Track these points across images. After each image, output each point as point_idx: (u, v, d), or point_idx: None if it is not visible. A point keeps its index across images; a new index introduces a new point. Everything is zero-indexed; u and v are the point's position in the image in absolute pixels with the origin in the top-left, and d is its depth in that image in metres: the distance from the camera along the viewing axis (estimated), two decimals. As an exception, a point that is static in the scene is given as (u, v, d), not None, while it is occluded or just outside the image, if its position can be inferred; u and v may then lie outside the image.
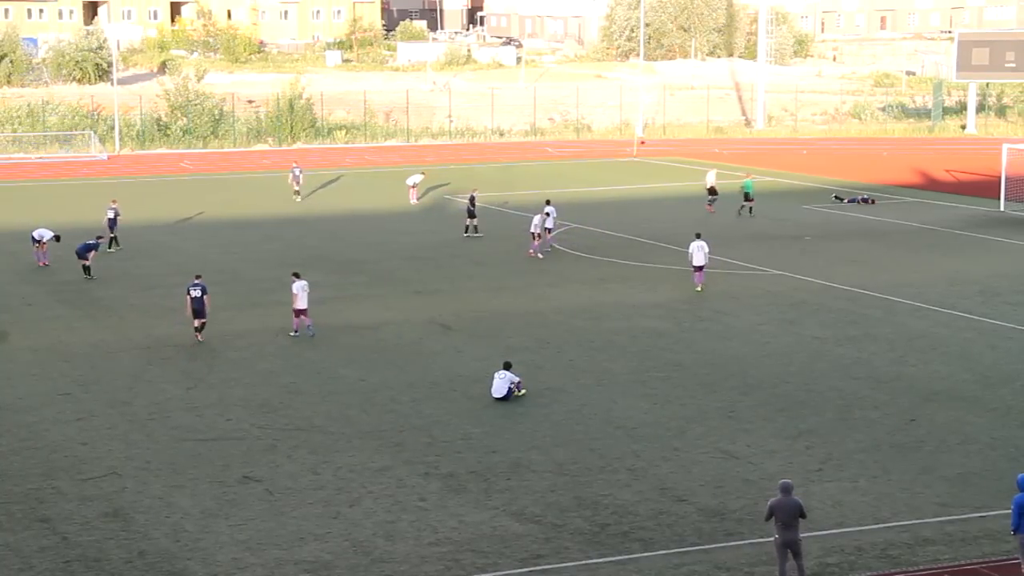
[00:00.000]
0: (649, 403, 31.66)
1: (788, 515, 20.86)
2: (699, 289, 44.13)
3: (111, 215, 51.60)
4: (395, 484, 26.26)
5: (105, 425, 30.08)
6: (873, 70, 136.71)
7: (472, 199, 55.49)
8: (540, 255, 49.78)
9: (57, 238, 48.48)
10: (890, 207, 63.23)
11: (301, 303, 37.89)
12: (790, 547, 20.92)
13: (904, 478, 26.46)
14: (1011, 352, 36.29)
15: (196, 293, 37.65)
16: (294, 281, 38.16)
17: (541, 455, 27.95)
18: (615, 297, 43.35)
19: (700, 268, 44.29)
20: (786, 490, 20.97)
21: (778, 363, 35.16)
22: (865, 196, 64.76)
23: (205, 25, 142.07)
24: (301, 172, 66.87)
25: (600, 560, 22.69)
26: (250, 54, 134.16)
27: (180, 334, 38.45)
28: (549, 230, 51.14)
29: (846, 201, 64.30)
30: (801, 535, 21.08)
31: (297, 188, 66.21)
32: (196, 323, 37.78)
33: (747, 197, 60.84)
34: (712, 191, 61.67)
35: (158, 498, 25.53)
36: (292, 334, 38.18)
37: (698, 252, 44.14)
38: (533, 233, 50.26)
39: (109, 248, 50.59)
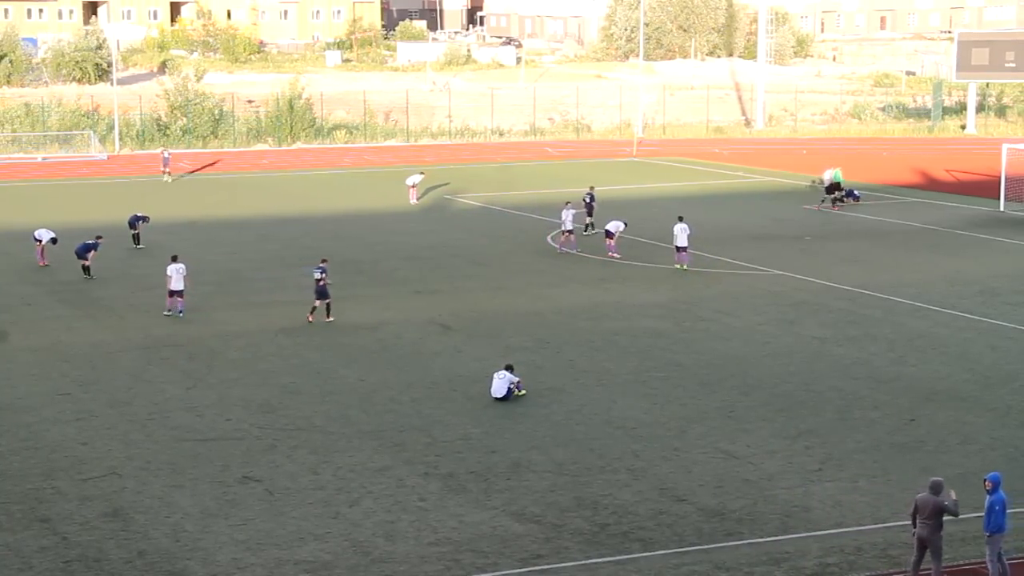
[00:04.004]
0: (649, 403, 31.66)
1: (925, 512, 21.02)
2: (681, 267, 46.66)
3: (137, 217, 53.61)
4: (395, 484, 26.26)
5: (105, 425, 30.08)
6: (873, 70, 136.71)
7: (591, 196, 55.38)
8: (617, 255, 49.59)
9: (54, 240, 48.54)
10: (890, 207, 63.22)
11: (176, 285, 40.34)
12: (926, 544, 21.08)
13: (904, 478, 26.45)
14: (1011, 352, 36.30)
15: (317, 275, 39.76)
16: (170, 264, 40.52)
17: (541, 455, 27.95)
18: (615, 297, 43.35)
19: (683, 249, 47.02)
20: (933, 488, 21.04)
21: (778, 363, 35.16)
22: (857, 193, 64.58)
23: (205, 25, 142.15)
24: (170, 155, 73.94)
25: (600, 560, 22.70)
26: (250, 54, 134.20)
27: (180, 334, 38.49)
28: (611, 233, 50.35)
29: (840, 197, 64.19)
30: (940, 536, 21.14)
31: (163, 169, 72.51)
32: (317, 303, 39.76)
33: (838, 187, 62.76)
34: (830, 189, 62.71)
35: (158, 498, 25.53)
36: (166, 313, 40.60)
37: (681, 234, 47.00)
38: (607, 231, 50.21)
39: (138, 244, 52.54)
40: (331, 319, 39.76)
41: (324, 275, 39.84)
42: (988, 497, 21.07)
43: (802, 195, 66.86)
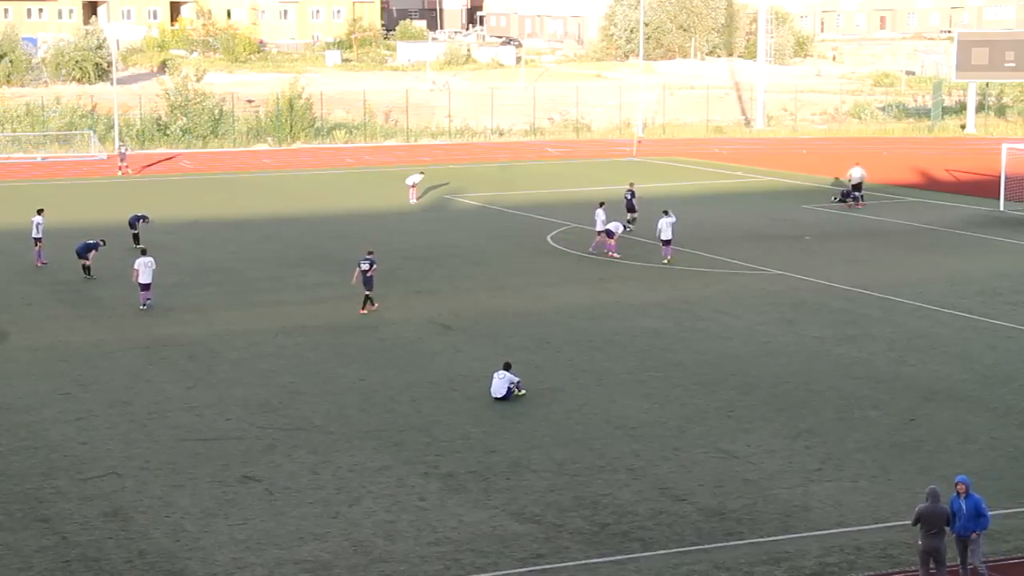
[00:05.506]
0: (649, 403, 31.67)
1: (935, 522, 20.67)
2: (666, 261, 47.56)
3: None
4: (395, 484, 26.27)
5: (105, 425, 30.09)
6: (873, 70, 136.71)
7: (632, 192, 55.48)
8: (617, 255, 49.55)
9: (40, 211, 49.25)
10: (890, 207, 63.22)
11: (144, 278, 41.12)
12: (932, 555, 20.74)
13: (904, 478, 26.47)
14: (1011, 352, 36.30)
15: (364, 267, 40.55)
16: (139, 257, 41.60)
17: (541, 455, 27.96)
18: (615, 297, 43.35)
19: (668, 242, 47.77)
20: (935, 497, 20.73)
21: (778, 363, 35.16)
22: (858, 195, 64.54)
23: (205, 25, 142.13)
24: (127, 150, 77.36)
25: (600, 560, 22.70)
26: (250, 54, 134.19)
27: (180, 334, 38.49)
28: (611, 233, 50.02)
29: (835, 200, 64.14)
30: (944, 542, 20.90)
31: (120, 164, 75.30)
32: (367, 292, 40.87)
33: (860, 186, 63.24)
34: (857, 187, 62.94)
35: (158, 498, 25.54)
36: (141, 307, 41.24)
37: (666, 227, 47.83)
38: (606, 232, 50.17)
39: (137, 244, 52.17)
40: (375, 307, 40.82)
41: (372, 266, 40.64)
42: (965, 500, 20.85)
43: (799, 195, 66.85)
